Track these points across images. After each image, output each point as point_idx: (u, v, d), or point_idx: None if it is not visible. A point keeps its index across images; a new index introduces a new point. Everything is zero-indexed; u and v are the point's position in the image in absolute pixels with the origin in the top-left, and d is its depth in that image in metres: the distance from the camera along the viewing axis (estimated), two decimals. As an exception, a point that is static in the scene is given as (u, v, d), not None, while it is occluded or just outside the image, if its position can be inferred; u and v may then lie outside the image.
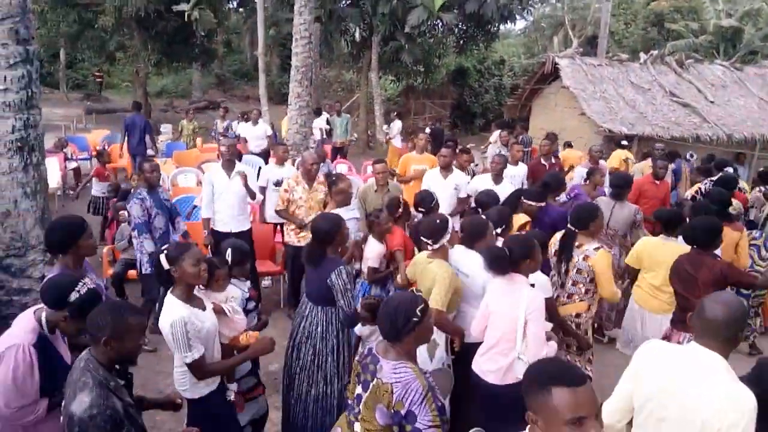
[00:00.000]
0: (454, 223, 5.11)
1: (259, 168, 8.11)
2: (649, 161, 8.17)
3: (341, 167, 10.71)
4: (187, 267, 2.85)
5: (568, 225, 4.03)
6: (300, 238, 5.84)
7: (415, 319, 2.28)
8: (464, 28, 19.24)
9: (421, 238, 3.72)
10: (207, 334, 2.91)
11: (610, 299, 4.08)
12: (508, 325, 3.16)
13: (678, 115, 12.46)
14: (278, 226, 6.62)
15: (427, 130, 12.31)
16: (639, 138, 11.38)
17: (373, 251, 4.47)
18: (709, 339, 2.15)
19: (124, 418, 2.14)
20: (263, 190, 6.45)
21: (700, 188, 6.76)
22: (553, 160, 8.31)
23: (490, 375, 3.22)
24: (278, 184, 6.37)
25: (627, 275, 4.78)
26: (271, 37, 19.59)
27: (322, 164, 8.55)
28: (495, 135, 11.46)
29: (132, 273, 5.67)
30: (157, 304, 4.57)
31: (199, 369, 2.87)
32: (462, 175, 6.76)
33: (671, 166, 7.80)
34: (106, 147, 10.58)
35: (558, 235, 4.16)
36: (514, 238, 3.50)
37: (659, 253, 4.30)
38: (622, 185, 5.54)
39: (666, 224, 4.44)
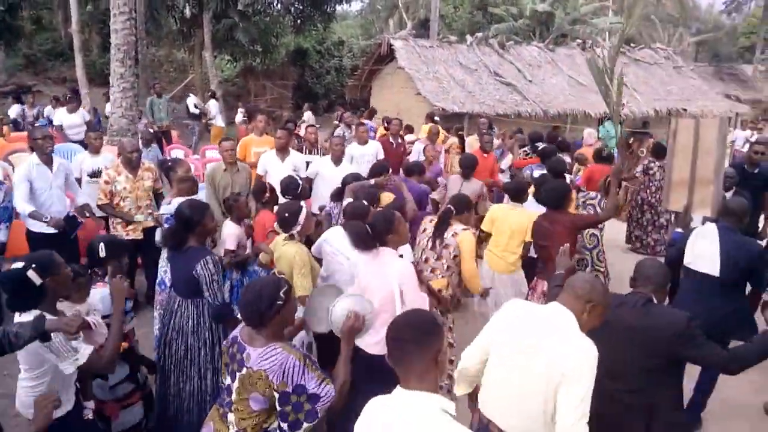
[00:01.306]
0: (333, 208, 5.16)
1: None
2: (476, 136, 8.74)
3: (177, 153, 10.10)
4: (65, 275, 2.58)
5: (448, 205, 4.25)
6: (129, 231, 5.42)
7: (279, 302, 2.26)
8: (301, 7, 19.00)
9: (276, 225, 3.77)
10: None
11: (468, 277, 4.19)
12: (385, 297, 3.21)
13: (502, 93, 13.46)
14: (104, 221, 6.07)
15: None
16: (469, 115, 12.10)
17: (230, 233, 4.35)
18: (572, 303, 2.29)
19: None
20: (80, 182, 5.84)
21: (520, 159, 7.52)
22: (399, 140, 8.57)
23: (373, 347, 3.26)
24: (94, 175, 5.80)
25: (481, 241, 5.09)
26: (88, 13, 17.77)
27: (149, 149, 7.99)
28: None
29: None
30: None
31: (98, 360, 2.62)
32: (299, 156, 6.69)
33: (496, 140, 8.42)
34: None
35: (428, 218, 4.39)
36: (376, 214, 3.59)
37: (507, 218, 4.77)
38: (469, 165, 5.95)
39: (513, 193, 4.95)
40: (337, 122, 11.86)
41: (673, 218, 6.51)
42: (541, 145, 7.21)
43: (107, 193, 5.34)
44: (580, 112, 13.44)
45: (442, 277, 4.13)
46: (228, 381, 2.34)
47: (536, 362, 2.19)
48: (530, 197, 5.23)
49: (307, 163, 6.72)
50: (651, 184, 7.90)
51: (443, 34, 18.23)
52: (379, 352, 3.25)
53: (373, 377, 3.14)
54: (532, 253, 4.91)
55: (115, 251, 3.36)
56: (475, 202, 5.67)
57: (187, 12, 16.78)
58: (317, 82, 21.89)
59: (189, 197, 4.46)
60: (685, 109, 14.62)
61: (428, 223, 4.34)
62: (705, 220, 4.54)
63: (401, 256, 3.50)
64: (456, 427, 1.72)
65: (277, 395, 2.17)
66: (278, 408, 2.18)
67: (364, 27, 30.53)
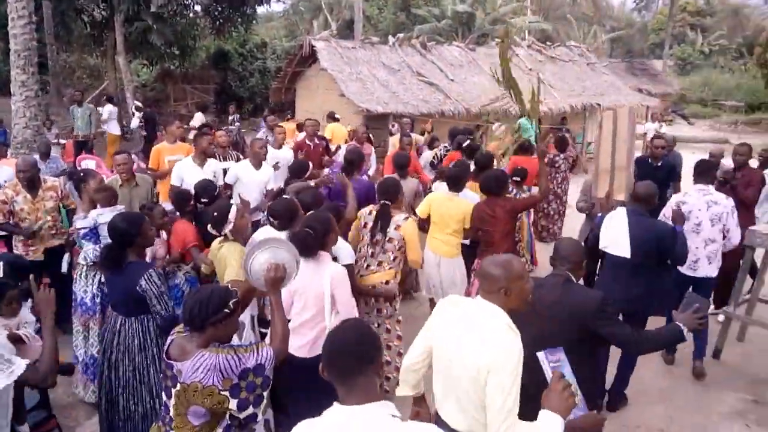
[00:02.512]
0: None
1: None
2: (398, 136, 8.79)
3: (89, 163, 9.57)
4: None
5: (381, 200, 4.36)
6: (32, 251, 5.07)
7: (227, 310, 2.27)
8: (219, 9, 18.50)
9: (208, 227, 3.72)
10: None
11: (415, 262, 4.49)
12: (315, 301, 3.23)
13: (425, 93, 13.56)
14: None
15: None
16: (393, 116, 12.12)
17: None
18: (488, 292, 2.35)
19: None
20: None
21: (437, 153, 7.66)
22: (317, 141, 8.46)
23: (300, 350, 3.27)
24: None
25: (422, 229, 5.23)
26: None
27: (48, 162, 7.53)
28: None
29: None
30: None
31: (35, 373, 2.50)
32: (217, 162, 6.48)
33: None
34: None
35: (366, 210, 4.49)
36: (311, 217, 3.51)
37: (446, 207, 5.01)
38: (403, 164, 6.02)
39: (452, 182, 5.14)
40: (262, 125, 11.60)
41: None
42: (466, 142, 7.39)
43: (5, 212, 4.97)
44: (501, 110, 13.72)
45: (390, 268, 4.29)
46: (164, 398, 2.33)
47: (466, 357, 2.26)
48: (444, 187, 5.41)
49: (224, 170, 6.52)
50: (557, 174, 8.22)
51: (370, 35, 18.26)
52: (306, 354, 3.27)
53: (304, 381, 3.17)
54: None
55: (15, 272, 3.16)
56: (413, 200, 5.91)
57: (98, 15, 15.94)
58: (241, 85, 21.40)
59: (113, 209, 4.25)
60: (599, 104, 15.22)
61: (368, 216, 4.43)
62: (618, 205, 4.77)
63: (335, 258, 3.55)
64: (410, 427, 1.73)
65: (227, 393, 2.18)
66: (234, 400, 2.20)
67: (288, 28, 30.19)
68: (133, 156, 5.80)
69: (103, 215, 4.18)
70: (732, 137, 22.33)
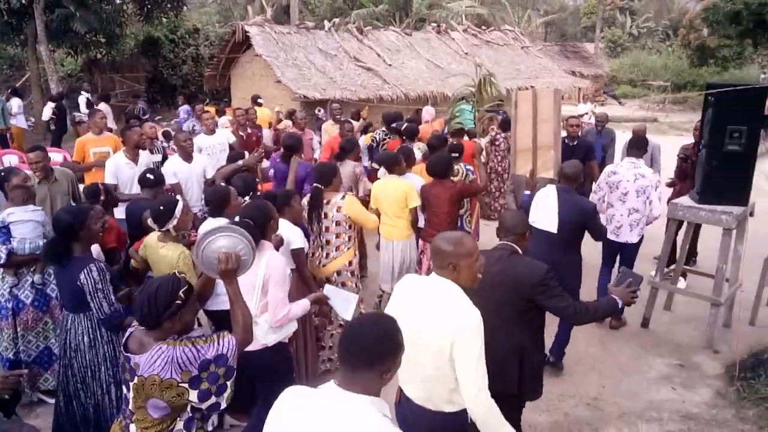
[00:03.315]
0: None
1: None
2: (332, 121, 8.72)
3: (10, 159, 9.05)
4: None
5: (314, 184, 4.38)
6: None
7: (178, 301, 2.20)
8: (147, -6, 17.76)
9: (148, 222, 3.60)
10: None
11: (374, 229, 4.70)
12: (247, 291, 3.06)
13: (363, 78, 13.50)
14: None
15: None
16: (331, 101, 12.00)
17: None
18: (441, 269, 2.42)
19: None
20: None
21: (374, 137, 7.66)
22: (249, 130, 8.29)
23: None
24: None
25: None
26: None
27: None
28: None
29: None
30: None
31: None
32: (148, 155, 6.25)
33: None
34: None
35: (305, 200, 4.51)
36: (249, 206, 3.41)
37: (386, 189, 5.10)
38: (344, 148, 5.96)
39: (388, 166, 5.19)
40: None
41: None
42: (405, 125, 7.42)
43: None
44: (439, 93, 13.82)
45: (348, 249, 4.44)
46: (125, 391, 2.29)
47: (427, 333, 2.33)
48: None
49: (155, 163, 6.29)
50: (497, 153, 8.39)
51: (308, 20, 17.95)
52: (250, 348, 3.17)
53: (249, 374, 3.13)
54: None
55: None
56: (354, 183, 5.93)
57: (15, 2, 14.93)
58: (173, 73, 20.64)
59: (25, 208, 4.09)
60: (533, 87, 15.53)
61: (306, 205, 4.48)
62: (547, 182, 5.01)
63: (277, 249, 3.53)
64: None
65: (186, 385, 2.15)
66: (194, 392, 2.17)
67: (222, 14, 29.29)
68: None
69: (14, 214, 4.04)
70: (660, 116, 23.33)
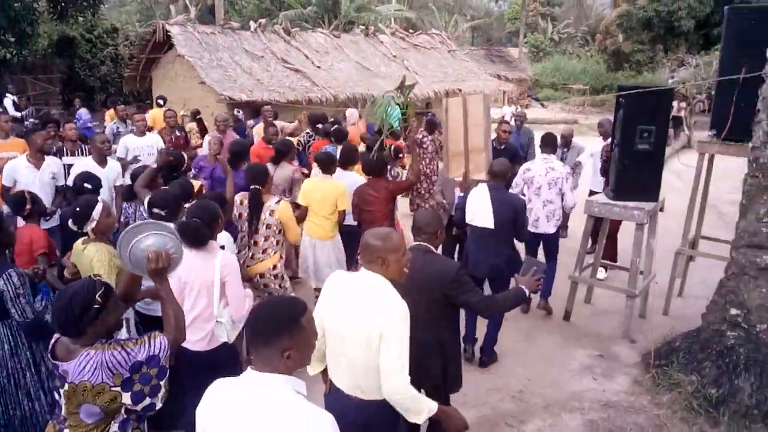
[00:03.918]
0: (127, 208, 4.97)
1: None
2: (261, 125, 8.54)
3: None
4: None
5: (252, 186, 4.42)
6: None
7: (96, 306, 2.13)
8: (60, -9, 16.80)
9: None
10: None
11: (294, 241, 4.72)
12: (207, 292, 3.20)
13: (291, 80, 13.33)
14: None
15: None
16: (264, 103, 11.77)
17: None
18: (370, 264, 2.52)
19: None
20: None
21: (300, 140, 7.61)
22: (178, 133, 8.05)
23: (198, 344, 3.27)
24: None
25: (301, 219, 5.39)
26: None
27: None
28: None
29: None
30: None
31: None
32: (57, 161, 5.92)
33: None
34: None
35: (237, 200, 4.56)
36: (199, 206, 3.40)
37: (319, 189, 5.15)
38: (280, 151, 5.96)
39: (323, 165, 5.27)
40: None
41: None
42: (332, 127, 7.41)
43: None
44: (368, 96, 13.84)
45: (275, 253, 4.47)
46: (57, 396, 2.23)
47: (356, 326, 2.42)
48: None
49: (66, 166, 5.96)
50: (425, 155, 8.50)
51: (234, 21, 17.56)
52: (203, 348, 3.27)
53: (200, 374, 3.08)
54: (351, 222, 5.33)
55: None
56: (289, 186, 5.94)
57: None
58: (90, 74, 19.67)
59: None
60: (460, 90, 15.84)
61: (239, 206, 4.52)
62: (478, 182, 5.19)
63: (222, 247, 3.55)
64: (305, 407, 1.74)
65: (118, 388, 2.12)
66: (127, 394, 2.14)
67: (143, 13, 28.25)
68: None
69: None
70: (580, 117, 24.39)
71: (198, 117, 9.24)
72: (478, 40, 47.41)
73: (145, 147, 6.91)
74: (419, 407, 2.47)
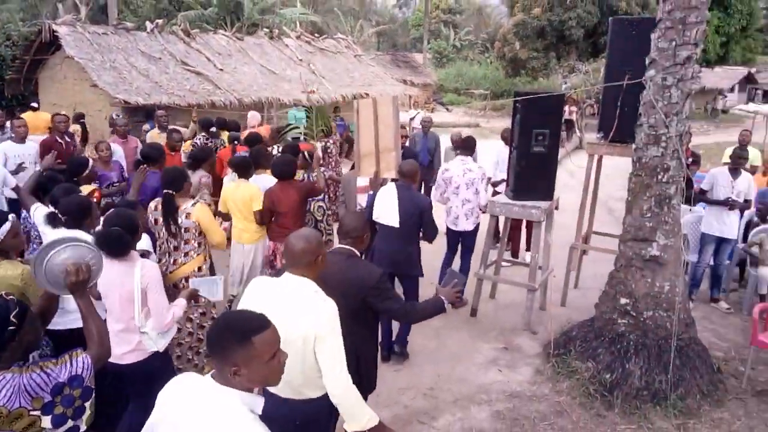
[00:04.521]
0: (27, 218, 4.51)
1: None
2: (157, 130, 8.20)
3: None
4: None
5: (164, 190, 4.33)
6: None
7: (11, 327, 2.03)
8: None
9: None
10: None
11: (219, 245, 4.56)
12: (126, 303, 3.11)
13: (192, 83, 12.87)
14: None
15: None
16: (158, 107, 11.27)
17: None
18: (295, 267, 2.55)
19: None
20: None
21: (195, 143, 7.44)
22: (68, 138, 7.53)
23: (128, 356, 3.19)
24: None
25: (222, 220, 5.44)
26: None
27: None
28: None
29: None
30: None
31: None
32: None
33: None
34: None
35: (152, 205, 4.46)
36: (118, 215, 3.29)
37: (235, 194, 5.16)
38: (197, 157, 5.95)
39: (239, 169, 5.26)
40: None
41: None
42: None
43: None
44: (275, 99, 13.65)
45: (198, 255, 4.43)
46: None
47: (291, 330, 2.37)
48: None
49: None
50: (330, 159, 8.54)
51: (129, 21, 16.69)
52: (134, 359, 3.19)
53: (138, 387, 3.13)
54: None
55: None
56: (196, 193, 5.70)
57: None
58: (-34, 76, 18.01)
59: None
60: (367, 94, 15.97)
61: (154, 212, 4.43)
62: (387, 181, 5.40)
63: (143, 255, 3.48)
64: (245, 427, 1.69)
65: (38, 412, 2.03)
66: (47, 418, 2.05)
67: (27, 11, 26.23)
68: None
69: None
70: (482, 121, 25.35)
71: (81, 120, 8.74)
72: (383, 45, 48.08)
73: (27, 155, 6.46)
74: (361, 413, 2.51)
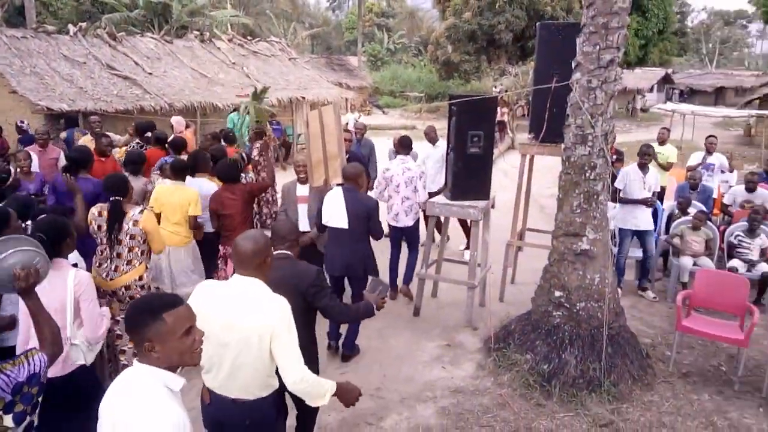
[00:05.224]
0: None
1: None
2: (89, 136, 7.89)
3: None
4: None
5: (111, 197, 4.29)
6: None
7: None
8: None
9: None
10: None
11: (160, 252, 4.62)
12: (59, 314, 2.96)
13: (119, 88, 12.41)
14: None
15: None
16: (83, 113, 10.81)
17: None
18: (245, 268, 2.59)
19: None
20: None
21: (128, 149, 7.17)
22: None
23: (51, 369, 2.88)
24: None
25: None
26: None
27: None
28: None
29: None
30: None
31: None
32: None
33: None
34: None
35: (95, 211, 4.36)
36: (46, 222, 3.23)
37: (172, 196, 5.16)
38: (136, 161, 5.75)
39: (176, 172, 5.29)
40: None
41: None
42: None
43: None
44: (208, 104, 13.36)
45: (140, 264, 4.36)
46: None
47: (243, 332, 2.48)
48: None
49: None
50: (266, 164, 8.52)
51: (48, 24, 15.89)
52: (58, 373, 3.05)
53: (59, 401, 2.95)
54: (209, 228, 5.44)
55: None
56: (143, 198, 5.70)
57: None
58: None
59: None
60: (303, 97, 15.91)
61: (98, 218, 4.33)
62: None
63: (75, 265, 3.46)
64: (158, 400, 1.78)
65: (0, 412, 2.09)
66: (8, 416, 2.12)
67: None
68: None
69: None
70: (418, 123, 25.65)
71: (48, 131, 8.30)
72: (317, 48, 47.92)
73: None
74: (322, 390, 2.63)
